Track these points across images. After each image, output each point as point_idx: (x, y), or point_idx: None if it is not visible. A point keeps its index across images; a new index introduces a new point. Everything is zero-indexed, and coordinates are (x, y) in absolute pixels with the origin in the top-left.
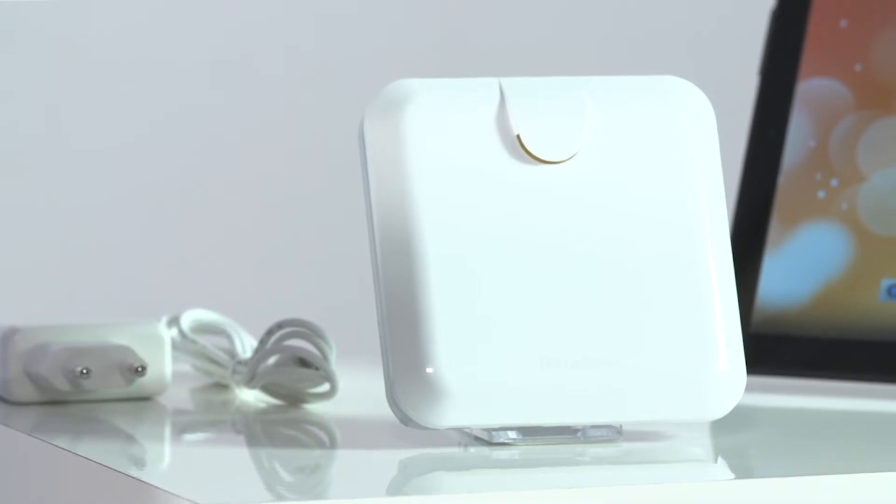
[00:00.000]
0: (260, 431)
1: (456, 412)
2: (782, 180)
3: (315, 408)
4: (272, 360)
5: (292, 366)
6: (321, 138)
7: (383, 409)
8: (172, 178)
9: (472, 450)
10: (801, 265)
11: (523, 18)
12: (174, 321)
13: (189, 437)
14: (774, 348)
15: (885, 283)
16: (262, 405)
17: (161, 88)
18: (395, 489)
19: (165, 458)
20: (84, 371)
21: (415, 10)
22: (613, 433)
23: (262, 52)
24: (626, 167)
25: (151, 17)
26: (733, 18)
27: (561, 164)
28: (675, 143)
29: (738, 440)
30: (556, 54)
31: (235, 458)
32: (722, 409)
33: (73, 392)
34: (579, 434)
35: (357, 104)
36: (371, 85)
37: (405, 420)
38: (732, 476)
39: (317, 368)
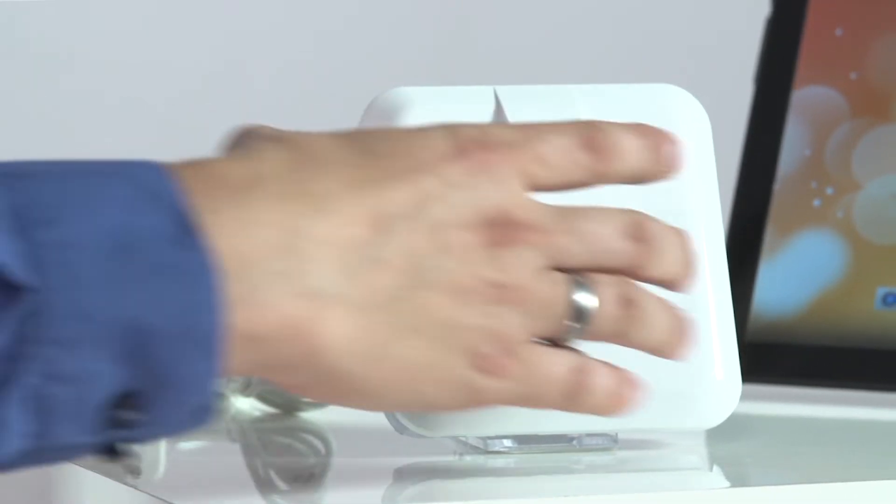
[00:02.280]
0: (255, 440)
1: (451, 420)
2: (778, 188)
3: (310, 416)
4: None
5: None
6: None
7: (378, 418)
8: None
9: (468, 458)
10: (797, 273)
11: (521, 25)
12: None
13: (184, 445)
14: (770, 357)
15: (881, 291)
16: (257, 413)
17: (156, 95)
18: (391, 498)
19: (160, 466)
20: None
21: (413, 16)
22: (609, 441)
23: (257, 58)
24: None
25: (148, 23)
26: (728, 26)
27: None
28: None
29: (733, 448)
30: (553, 61)
31: (230, 466)
32: (717, 418)
33: None
34: (575, 442)
35: (354, 111)
36: (367, 91)
37: (400, 428)
38: (728, 484)
39: None
